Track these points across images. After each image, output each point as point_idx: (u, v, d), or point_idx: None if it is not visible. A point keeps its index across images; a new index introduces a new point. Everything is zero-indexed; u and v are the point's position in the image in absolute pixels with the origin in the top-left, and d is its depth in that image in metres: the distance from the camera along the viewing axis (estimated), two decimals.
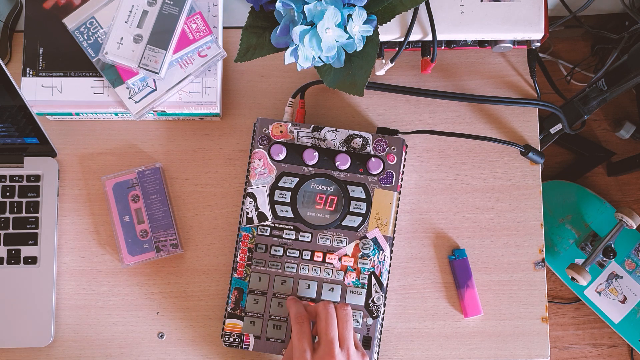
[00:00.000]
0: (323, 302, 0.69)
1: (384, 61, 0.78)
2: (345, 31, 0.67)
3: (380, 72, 0.79)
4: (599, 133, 1.55)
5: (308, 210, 0.75)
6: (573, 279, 1.18)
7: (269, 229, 0.75)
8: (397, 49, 0.76)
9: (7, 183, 0.79)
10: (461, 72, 0.84)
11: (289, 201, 0.75)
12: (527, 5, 0.75)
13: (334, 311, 0.68)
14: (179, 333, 0.79)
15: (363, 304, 0.74)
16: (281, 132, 0.76)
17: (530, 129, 0.83)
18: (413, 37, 0.75)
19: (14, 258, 0.78)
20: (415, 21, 0.74)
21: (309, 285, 0.74)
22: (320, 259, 0.74)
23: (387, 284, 0.75)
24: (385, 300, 0.75)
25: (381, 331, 0.76)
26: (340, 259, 0.75)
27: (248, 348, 0.74)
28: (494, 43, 0.79)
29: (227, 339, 0.74)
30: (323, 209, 0.75)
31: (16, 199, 0.78)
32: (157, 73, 0.75)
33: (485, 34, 0.76)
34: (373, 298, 0.74)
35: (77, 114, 0.79)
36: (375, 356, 0.74)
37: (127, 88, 0.77)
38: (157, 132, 0.82)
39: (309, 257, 0.75)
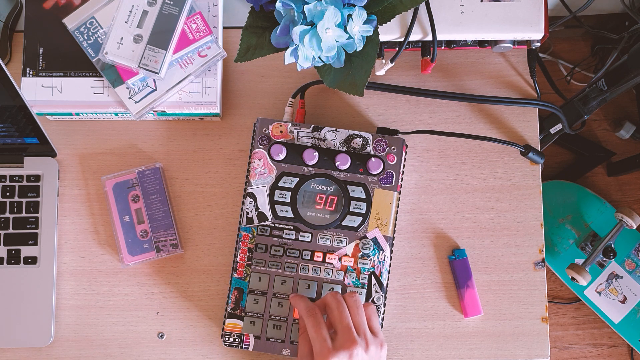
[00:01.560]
0: (330, 292, 0.69)
1: (384, 61, 0.78)
2: (345, 31, 0.67)
3: (380, 72, 0.79)
4: (599, 133, 1.55)
5: (308, 210, 0.75)
6: (573, 279, 1.18)
7: (269, 229, 0.75)
8: (397, 49, 0.76)
9: (7, 183, 0.79)
10: (461, 72, 0.84)
11: (289, 201, 0.75)
12: (527, 5, 0.75)
13: (343, 299, 0.68)
14: (179, 333, 0.79)
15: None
16: (281, 132, 0.76)
17: (530, 129, 0.83)
18: (413, 37, 0.75)
19: (14, 258, 0.78)
20: (415, 21, 0.74)
21: (309, 285, 0.74)
22: (320, 259, 0.74)
23: (387, 284, 0.75)
24: (385, 300, 0.75)
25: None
26: (340, 259, 0.75)
27: (248, 348, 0.74)
28: (494, 43, 0.79)
29: (227, 339, 0.74)
30: (323, 209, 0.75)
31: (16, 199, 0.78)
32: (157, 73, 0.75)
33: (485, 34, 0.76)
34: (373, 298, 0.74)
35: (77, 114, 0.79)
36: None
37: (127, 88, 0.77)
38: (157, 132, 0.82)
39: (309, 257, 0.75)
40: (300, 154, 0.75)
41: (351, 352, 0.64)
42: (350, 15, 0.66)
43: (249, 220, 0.75)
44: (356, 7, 0.66)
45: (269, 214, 0.75)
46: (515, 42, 0.79)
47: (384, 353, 0.68)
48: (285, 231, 0.75)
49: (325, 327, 0.67)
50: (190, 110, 0.78)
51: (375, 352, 0.66)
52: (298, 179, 0.75)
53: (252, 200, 0.75)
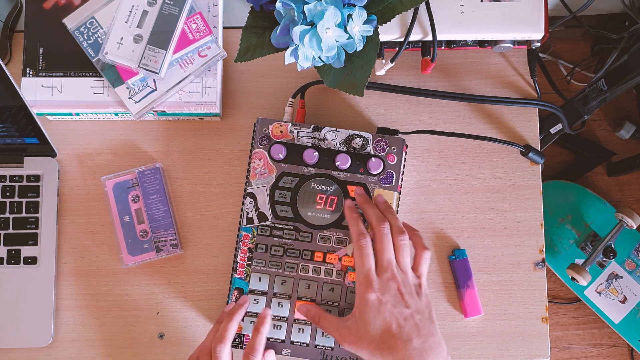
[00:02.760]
0: (381, 224, 0.69)
1: (384, 61, 0.78)
2: (345, 31, 0.67)
3: (380, 72, 0.79)
4: (599, 133, 1.55)
5: (308, 210, 0.75)
6: (573, 279, 1.18)
7: (269, 229, 0.75)
8: (397, 49, 0.76)
9: (7, 183, 0.79)
10: (461, 72, 0.84)
11: (289, 201, 0.75)
12: (527, 5, 0.75)
13: (389, 235, 0.69)
14: (179, 333, 0.79)
15: None
16: (281, 132, 0.76)
17: (530, 129, 0.83)
18: (413, 37, 0.75)
19: (14, 258, 0.78)
20: (415, 21, 0.74)
21: (309, 285, 0.74)
22: (321, 259, 0.74)
23: None
24: None
25: None
26: (340, 259, 0.75)
27: None
28: (494, 43, 0.79)
29: None
30: (323, 209, 0.75)
31: (16, 199, 0.78)
32: (157, 73, 0.75)
33: (485, 34, 0.76)
34: None
35: (77, 114, 0.79)
36: None
37: (127, 88, 0.77)
38: (157, 132, 0.82)
39: (309, 257, 0.75)
40: (301, 154, 0.75)
41: (387, 286, 0.66)
42: (350, 15, 0.66)
43: (249, 220, 0.75)
44: (356, 7, 0.66)
45: (269, 214, 0.75)
46: (515, 42, 0.79)
47: (425, 299, 0.67)
48: (285, 231, 0.75)
49: (372, 258, 0.68)
50: (190, 110, 0.78)
51: (410, 291, 0.67)
52: (298, 179, 0.75)
53: (252, 200, 0.75)
